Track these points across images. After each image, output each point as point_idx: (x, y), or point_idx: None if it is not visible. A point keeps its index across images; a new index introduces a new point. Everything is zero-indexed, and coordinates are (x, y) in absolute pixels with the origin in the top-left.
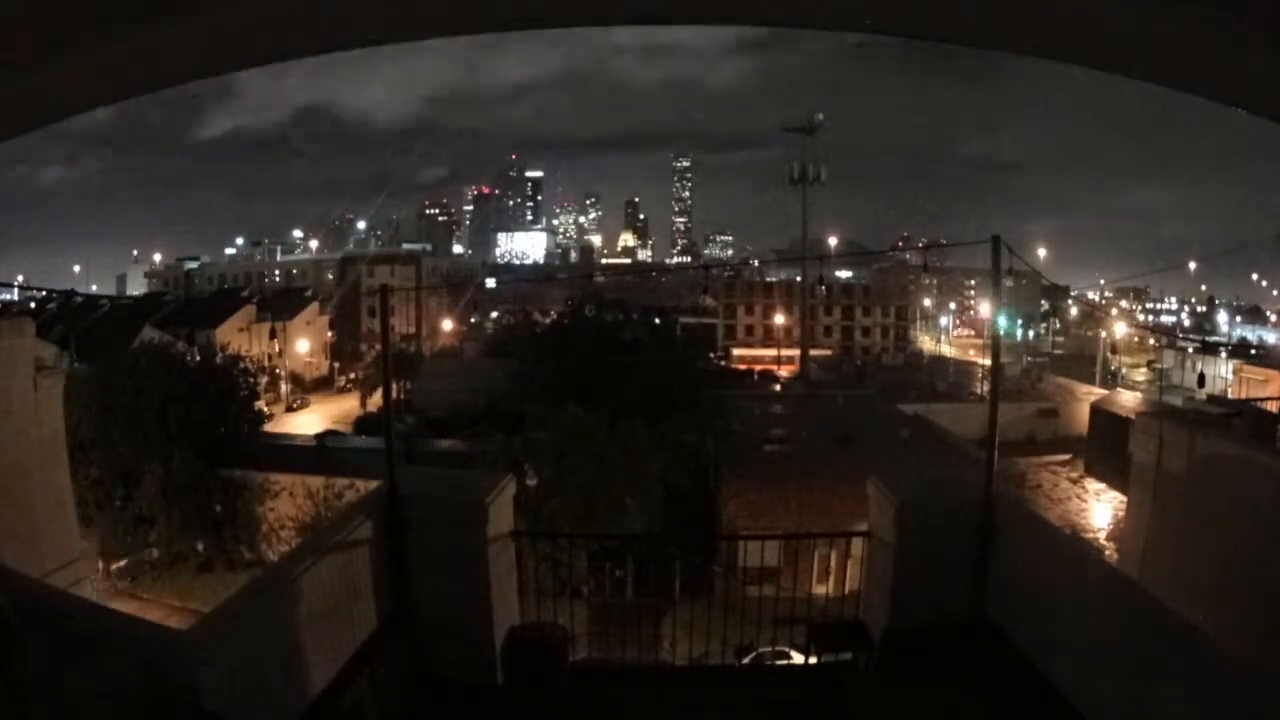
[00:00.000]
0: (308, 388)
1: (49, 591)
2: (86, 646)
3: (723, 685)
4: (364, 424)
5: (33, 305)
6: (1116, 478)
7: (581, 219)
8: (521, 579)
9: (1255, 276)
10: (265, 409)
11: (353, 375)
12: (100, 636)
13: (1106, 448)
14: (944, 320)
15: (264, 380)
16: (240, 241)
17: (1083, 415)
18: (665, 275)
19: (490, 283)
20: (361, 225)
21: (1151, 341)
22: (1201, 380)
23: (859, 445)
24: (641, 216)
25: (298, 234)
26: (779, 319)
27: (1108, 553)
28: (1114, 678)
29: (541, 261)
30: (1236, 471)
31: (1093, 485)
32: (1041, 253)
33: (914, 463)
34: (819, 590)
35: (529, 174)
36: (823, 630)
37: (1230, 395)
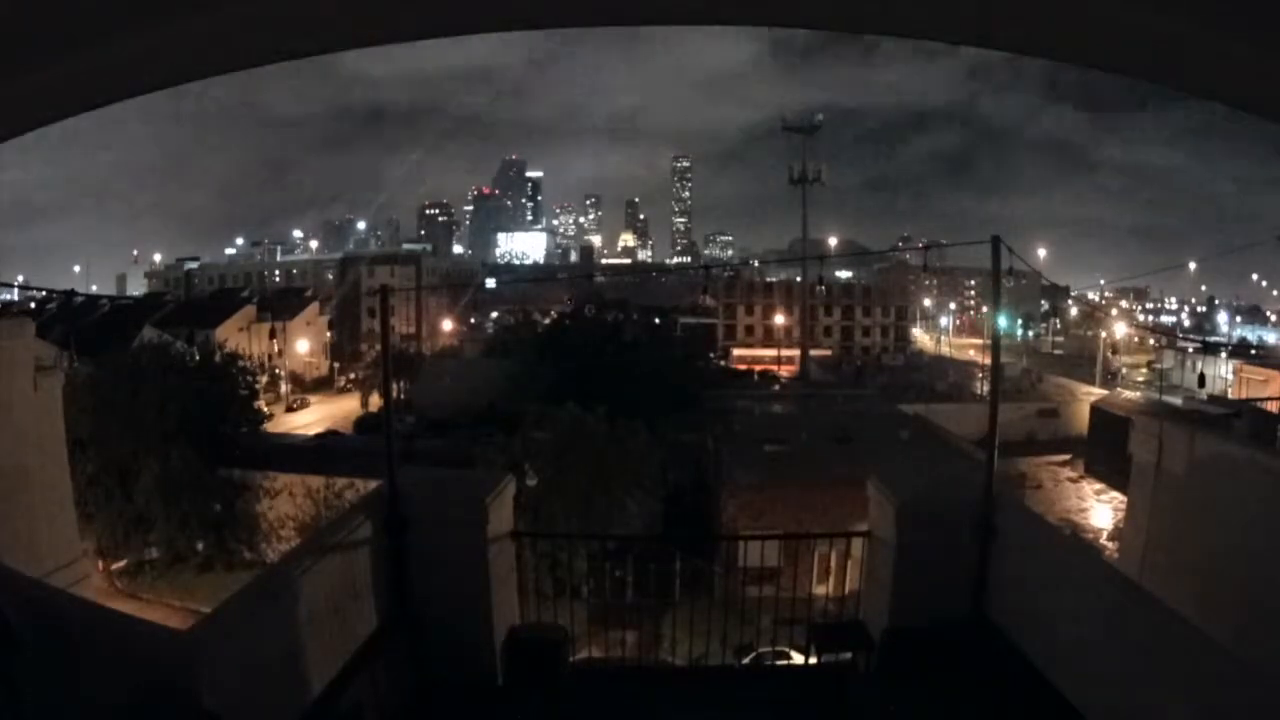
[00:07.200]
0: (308, 388)
1: (49, 591)
2: (86, 646)
3: (723, 685)
4: (364, 424)
5: (33, 305)
6: (1116, 478)
7: (581, 219)
8: (521, 579)
9: (1255, 276)
10: (265, 408)
11: (353, 375)
12: (100, 636)
13: (1106, 448)
14: (944, 320)
15: (264, 380)
16: (240, 241)
17: (1083, 415)
18: (665, 275)
19: (490, 283)
20: (361, 225)
21: (1151, 342)
22: (1202, 380)
23: (859, 445)
24: (641, 216)
25: (298, 234)
26: (779, 319)
27: (1108, 553)
28: (1114, 678)
29: (541, 261)
30: (1236, 471)
31: (1093, 485)
32: (1041, 253)
33: (914, 463)
34: (819, 590)
35: (529, 174)
36: (823, 630)
37: (1230, 395)
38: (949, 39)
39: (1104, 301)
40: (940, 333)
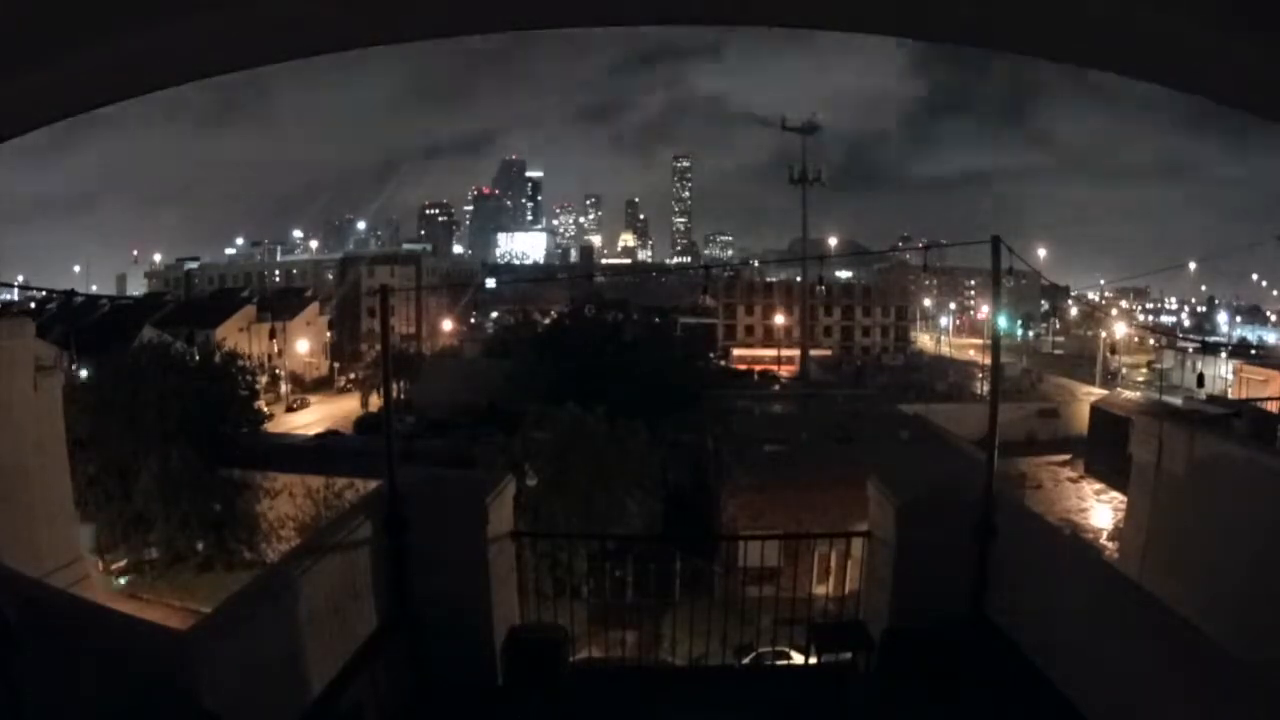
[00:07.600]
0: (308, 388)
1: (49, 591)
2: (86, 646)
3: (723, 685)
4: (364, 424)
5: (33, 305)
6: (1116, 478)
7: (581, 219)
8: (521, 579)
9: (1255, 276)
10: (265, 409)
11: (353, 375)
12: (100, 636)
13: (1106, 448)
14: (944, 320)
15: (264, 380)
16: (240, 241)
17: (1083, 415)
18: (665, 275)
19: (490, 283)
20: (361, 225)
21: (1151, 342)
22: (1200, 380)
23: (859, 445)
24: (641, 216)
25: (298, 234)
26: (779, 319)
27: (1108, 553)
28: (1114, 677)
29: (541, 261)
30: (1236, 471)
31: (1093, 485)
32: (1041, 253)
33: (914, 463)
34: (819, 590)
35: (529, 174)
36: (823, 630)
37: (1230, 395)
38: (950, 39)
39: (1104, 301)
40: (940, 333)
